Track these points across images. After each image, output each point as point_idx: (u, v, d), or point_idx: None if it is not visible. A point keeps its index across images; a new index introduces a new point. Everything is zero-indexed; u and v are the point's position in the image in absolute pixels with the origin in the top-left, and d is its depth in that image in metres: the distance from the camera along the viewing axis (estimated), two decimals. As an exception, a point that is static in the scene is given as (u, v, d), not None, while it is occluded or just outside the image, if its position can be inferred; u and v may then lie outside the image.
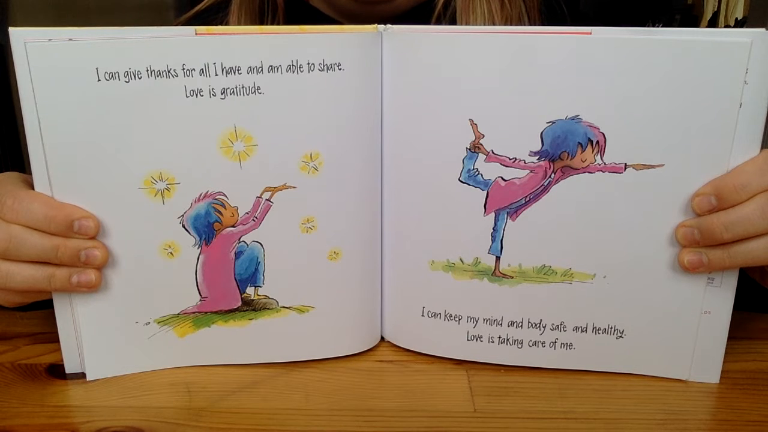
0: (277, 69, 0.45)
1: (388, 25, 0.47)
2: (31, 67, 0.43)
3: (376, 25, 0.47)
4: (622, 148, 0.45)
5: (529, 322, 0.51)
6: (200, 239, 0.49)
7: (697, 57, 0.43)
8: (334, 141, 0.48)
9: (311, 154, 0.48)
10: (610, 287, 0.49)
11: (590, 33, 0.44)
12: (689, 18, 2.30)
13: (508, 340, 0.52)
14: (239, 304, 0.51)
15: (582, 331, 0.51)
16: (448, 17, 0.67)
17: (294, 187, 0.48)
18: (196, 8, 0.75)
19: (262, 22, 0.69)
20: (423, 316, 0.53)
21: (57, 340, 0.50)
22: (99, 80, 0.44)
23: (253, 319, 0.51)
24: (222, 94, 0.45)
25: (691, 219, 0.46)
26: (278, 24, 0.69)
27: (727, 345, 0.49)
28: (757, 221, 0.43)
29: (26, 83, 0.43)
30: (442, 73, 0.46)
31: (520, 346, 0.52)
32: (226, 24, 0.69)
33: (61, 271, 0.47)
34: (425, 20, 0.67)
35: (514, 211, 0.48)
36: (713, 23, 2.22)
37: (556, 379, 0.51)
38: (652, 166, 0.45)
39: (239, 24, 0.68)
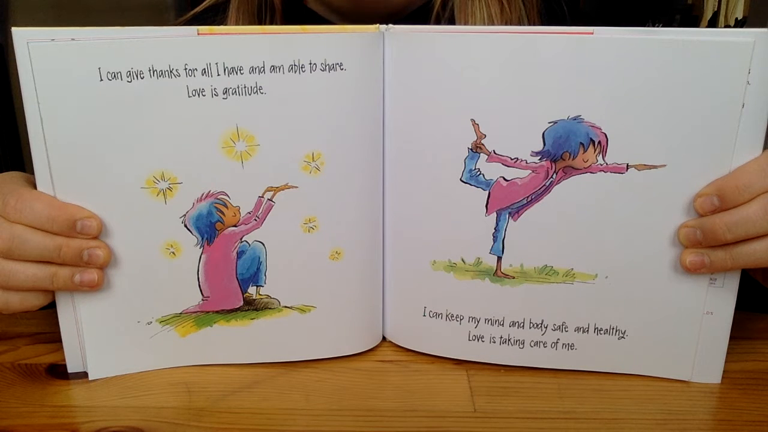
0: (279, 69, 0.45)
1: (390, 25, 0.47)
2: (33, 67, 0.43)
3: (377, 24, 0.47)
4: (624, 148, 0.45)
5: (530, 322, 0.51)
6: (202, 239, 0.49)
7: (700, 57, 0.43)
8: (336, 141, 0.48)
9: (313, 154, 0.48)
10: (611, 288, 0.49)
11: (592, 33, 0.44)
12: (689, 18, 2.30)
13: (509, 340, 0.52)
14: (241, 303, 0.51)
15: (584, 331, 0.51)
16: (446, 21, 0.67)
17: (296, 187, 0.48)
18: (194, 10, 0.75)
19: (259, 24, 0.69)
20: (424, 316, 0.53)
21: (57, 340, 0.50)
22: (101, 80, 0.44)
23: (255, 318, 0.52)
24: (224, 94, 0.45)
25: (694, 219, 0.46)
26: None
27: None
28: (759, 222, 0.43)
29: (29, 83, 0.43)
30: (443, 72, 0.46)
31: (521, 346, 0.52)
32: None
33: (63, 270, 0.47)
34: (422, 23, 0.67)
35: (516, 211, 0.48)
36: (713, 23, 2.23)
37: (556, 379, 0.51)
38: (654, 167, 0.45)
39: (237, 26, 0.68)
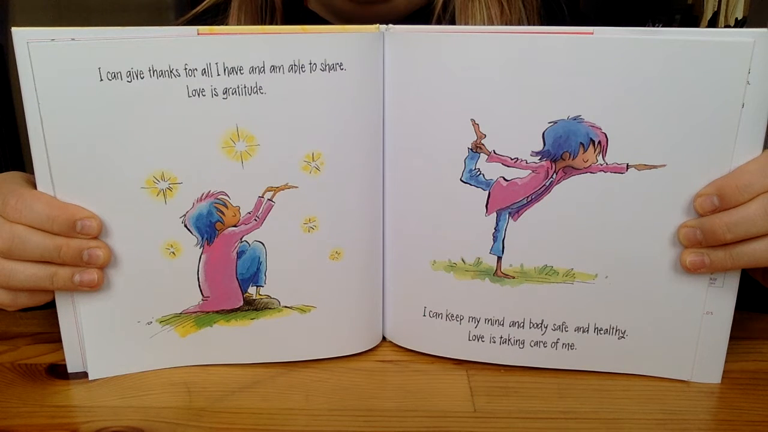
0: (279, 69, 0.45)
1: (390, 25, 0.47)
2: (33, 67, 0.43)
3: (377, 24, 0.47)
4: (624, 148, 0.45)
5: (530, 322, 0.51)
6: (202, 239, 0.49)
7: (700, 57, 0.43)
8: (336, 141, 0.48)
9: (313, 154, 0.48)
10: (611, 287, 0.49)
11: (592, 33, 0.44)
12: (689, 18, 2.30)
13: (509, 340, 0.52)
14: (241, 303, 0.51)
15: (583, 331, 0.51)
16: (447, 23, 0.67)
17: (296, 187, 0.48)
18: (195, 10, 0.75)
19: (260, 24, 0.69)
20: (424, 316, 0.53)
21: (57, 340, 0.50)
22: (101, 80, 0.44)
23: (255, 318, 0.52)
24: (224, 94, 0.45)
25: (694, 219, 0.46)
26: None
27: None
28: (759, 222, 0.43)
29: (29, 83, 0.43)
30: (443, 73, 0.46)
31: (521, 346, 0.52)
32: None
33: (63, 270, 0.47)
34: (423, 25, 0.67)
35: (516, 211, 0.48)
36: (713, 23, 2.23)
37: (556, 379, 0.51)
38: (654, 167, 0.45)
39: (237, 26, 0.68)
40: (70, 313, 0.50)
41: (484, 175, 0.48)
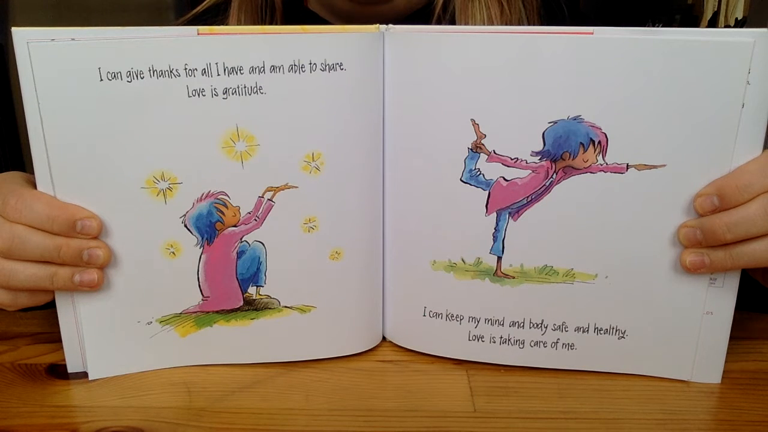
0: (279, 69, 0.45)
1: (390, 25, 0.47)
2: (33, 67, 0.43)
3: (377, 24, 0.47)
4: (624, 148, 0.45)
5: (530, 322, 0.51)
6: (202, 239, 0.49)
7: (700, 57, 0.43)
8: (336, 141, 0.48)
9: (313, 154, 0.48)
10: (611, 287, 0.49)
11: (592, 33, 0.44)
12: (689, 18, 2.30)
13: (509, 340, 0.52)
14: (241, 303, 0.51)
15: (583, 331, 0.51)
16: (447, 23, 0.67)
17: (296, 187, 0.48)
18: (195, 10, 0.75)
19: (260, 24, 0.69)
20: (424, 316, 0.53)
21: (57, 340, 0.50)
22: (101, 80, 0.44)
23: (255, 318, 0.52)
24: (224, 94, 0.45)
25: (694, 219, 0.46)
26: None
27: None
28: (759, 222, 0.43)
29: (29, 83, 0.43)
30: (443, 73, 0.46)
31: (521, 346, 0.52)
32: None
33: (63, 270, 0.47)
34: (423, 24, 0.67)
35: (516, 211, 0.48)
36: (713, 23, 2.23)
37: (556, 379, 0.51)
38: (654, 167, 0.45)
39: (237, 26, 0.68)
40: (70, 313, 0.50)
41: (484, 175, 0.48)
